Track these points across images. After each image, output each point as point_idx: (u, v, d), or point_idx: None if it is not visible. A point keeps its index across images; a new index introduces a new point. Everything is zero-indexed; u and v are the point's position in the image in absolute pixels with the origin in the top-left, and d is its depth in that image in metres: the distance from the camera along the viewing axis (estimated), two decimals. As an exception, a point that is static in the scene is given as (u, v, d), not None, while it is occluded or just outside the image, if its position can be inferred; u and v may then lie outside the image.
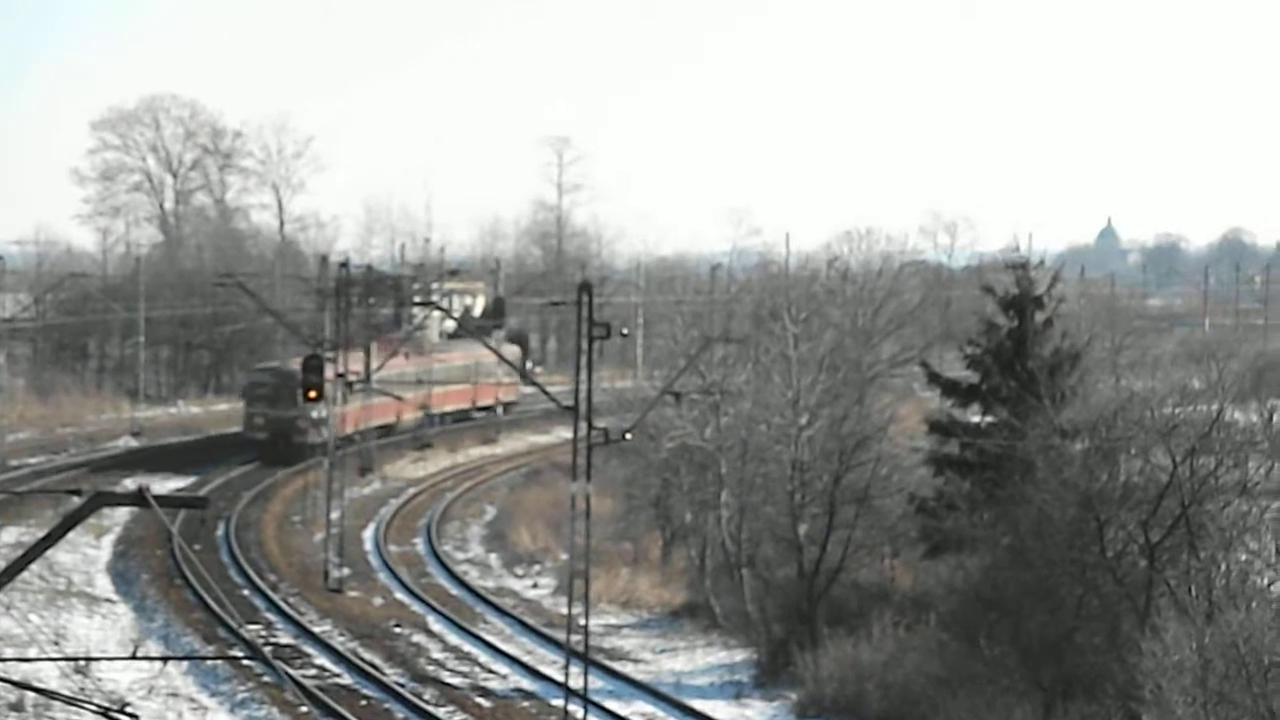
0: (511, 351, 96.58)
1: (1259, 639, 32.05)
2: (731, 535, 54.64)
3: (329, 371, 64.79)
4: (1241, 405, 50.46)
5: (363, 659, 49.27)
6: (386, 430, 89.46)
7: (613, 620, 56.96)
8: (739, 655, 51.33)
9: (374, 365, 71.61)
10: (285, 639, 52.16)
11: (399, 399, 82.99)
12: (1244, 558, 39.18)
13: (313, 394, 64.29)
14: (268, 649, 49.63)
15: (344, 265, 69.36)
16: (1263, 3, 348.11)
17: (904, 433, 58.27)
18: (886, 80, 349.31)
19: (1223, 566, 38.68)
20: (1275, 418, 47.13)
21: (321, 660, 49.52)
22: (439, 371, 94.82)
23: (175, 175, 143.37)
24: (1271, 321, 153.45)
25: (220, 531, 68.46)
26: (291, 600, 57.35)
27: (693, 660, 51.82)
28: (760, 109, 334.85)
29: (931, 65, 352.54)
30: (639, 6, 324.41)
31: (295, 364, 75.89)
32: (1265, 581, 38.12)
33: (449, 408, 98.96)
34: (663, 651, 52.96)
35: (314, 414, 75.10)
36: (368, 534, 71.38)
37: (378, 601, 58.60)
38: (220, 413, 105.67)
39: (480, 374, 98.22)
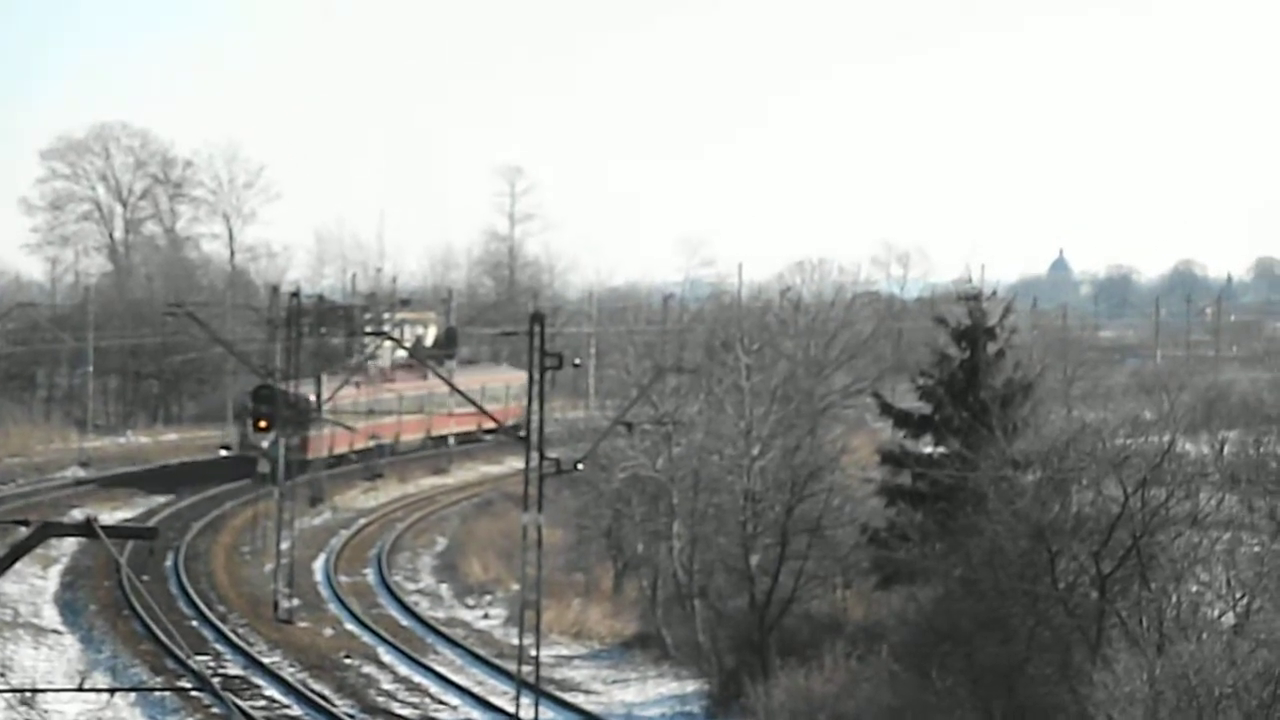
0: (518, 377, 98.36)
1: (1210, 670, 32.05)
2: (683, 566, 54.52)
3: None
4: (1193, 437, 50.70)
5: (312, 690, 48.97)
6: (389, 450, 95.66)
7: (564, 651, 56.79)
8: (690, 686, 51.19)
9: (392, 386, 72.99)
10: (234, 670, 51.83)
11: (399, 419, 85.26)
12: (1195, 589, 39.24)
13: (263, 424, 63.90)
14: (216, 680, 49.24)
15: (295, 295, 69.12)
16: (1210, 39, 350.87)
17: (856, 463, 58.26)
18: (839, 110, 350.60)
19: (1174, 598, 38.73)
20: (1226, 449, 47.31)
21: (271, 691, 49.21)
22: (441, 395, 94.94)
23: (125, 204, 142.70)
24: (1222, 353, 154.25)
25: (169, 562, 68.05)
26: (241, 631, 57.01)
27: (644, 691, 51.67)
28: (713, 138, 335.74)
29: (883, 96, 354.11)
30: (592, 34, 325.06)
31: (288, 385, 76.80)
32: (1216, 613, 38.16)
33: (455, 429, 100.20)
34: (614, 682, 52.81)
35: (313, 432, 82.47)
36: (318, 564, 71.07)
37: (328, 632, 58.30)
38: (170, 442, 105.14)
39: (486, 397, 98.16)
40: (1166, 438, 43.47)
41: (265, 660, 52.70)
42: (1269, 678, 31.83)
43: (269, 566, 64.37)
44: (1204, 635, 35.78)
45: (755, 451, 51.20)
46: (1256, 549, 39.39)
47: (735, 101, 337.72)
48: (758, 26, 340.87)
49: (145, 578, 63.62)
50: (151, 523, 73.93)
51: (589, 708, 48.44)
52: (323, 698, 48.14)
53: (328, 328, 75.63)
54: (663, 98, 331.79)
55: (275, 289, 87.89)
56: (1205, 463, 45.07)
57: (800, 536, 49.83)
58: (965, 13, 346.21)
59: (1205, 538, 40.41)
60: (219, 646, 54.85)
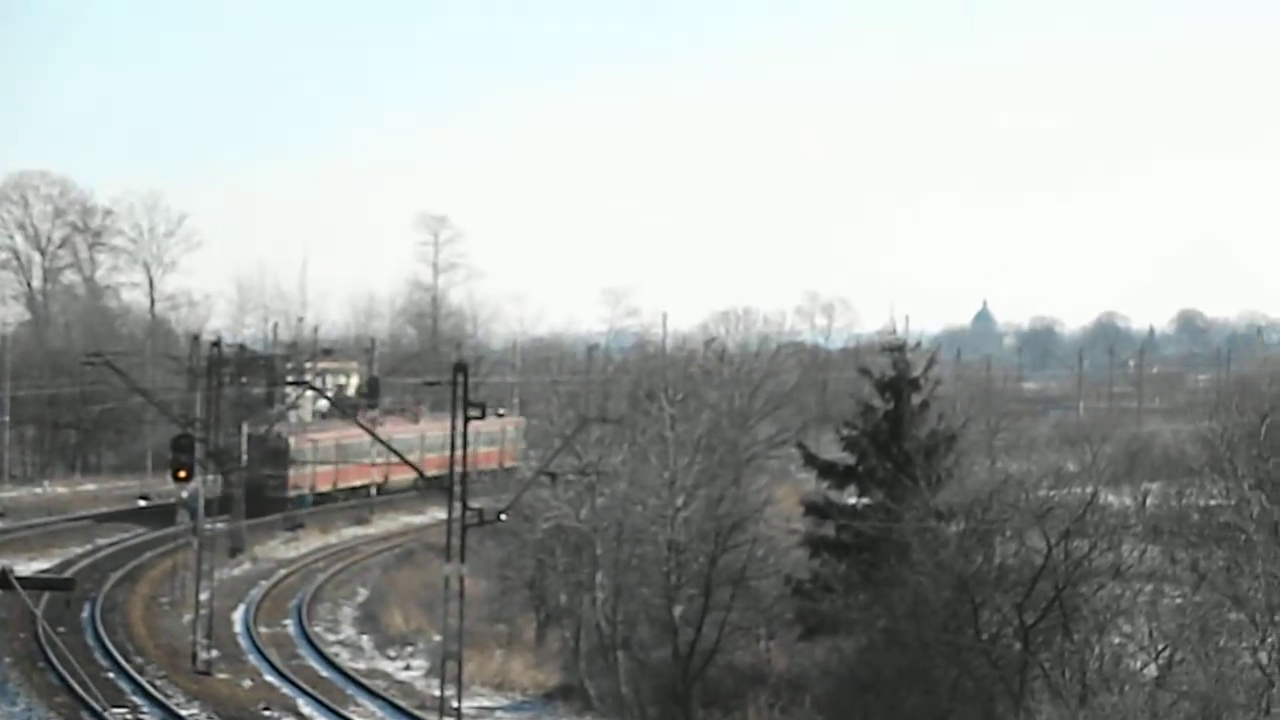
0: (516, 422, 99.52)
1: (1133, 722, 32.09)
2: (606, 617, 54.25)
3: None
4: (1115, 489, 50.87)
5: (230, 743, 48.37)
6: (378, 489, 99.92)
7: (486, 702, 56.37)
8: (614, 738, 50.85)
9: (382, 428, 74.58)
10: (151, 722, 51.17)
11: (388, 461, 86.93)
12: (1117, 641, 39.33)
13: (182, 474, 63.31)
14: (133, 733, 48.64)
15: (216, 344, 68.64)
16: (1132, 90, 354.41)
17: (780, 514, 58.17)
18: (764, 161, 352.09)
19: (1097, 649, 38.80)
20: (1148, 501, 47.49)
21: (188, 744, 48.61)
22: (435, 437, 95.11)
23: (44, 253, 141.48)
24: (1145, 405, 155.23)
25: (86, 613, 67.23)
26: (158, 682, 56.27)
27: (567, 743, 51.30)
28: (637, 189, 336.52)
29: (806, 147, 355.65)
30: (517, 83, 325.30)
31: (266, 428, 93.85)
32: (1138, 665, 38.25)
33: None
34: (536, 735, 52.41)
35: (291, 472, 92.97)
36: (238, 615, 70.37)
37: (247, 683, 57.67)
38: (88, 493, 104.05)
39: (480, 441, 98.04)
40: (1089, 489, 43.62)
41: (183, 712, 52.03)
42: (1191, 729, 31.89)
43: (188, 617, 63.65)
44: (1126, 687, 35.86)
45: (679, 502, 51.06)
46: (1179, 601, 39.49)
47: (658, 151, 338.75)
48: (678, 80, 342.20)
49: (61, 629, 62.81)
50: (68, 573, 73.04)
51: (511, 760, 47.98)
52: (241, 750, 47.53)
53: (249, 377, 75.30)
54: (587, 147, 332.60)
55: (196, 338, 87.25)
56: (1128, 515, 45.26)
57: (724, 587, 49.69)
58: (881, 63, 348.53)
59: (1128, 589, 40.53)
60: (136, 699, 54.08)
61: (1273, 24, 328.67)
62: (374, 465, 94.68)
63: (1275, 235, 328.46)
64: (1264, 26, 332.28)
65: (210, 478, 67.15)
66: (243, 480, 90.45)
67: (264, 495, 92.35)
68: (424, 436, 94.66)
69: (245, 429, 77.05)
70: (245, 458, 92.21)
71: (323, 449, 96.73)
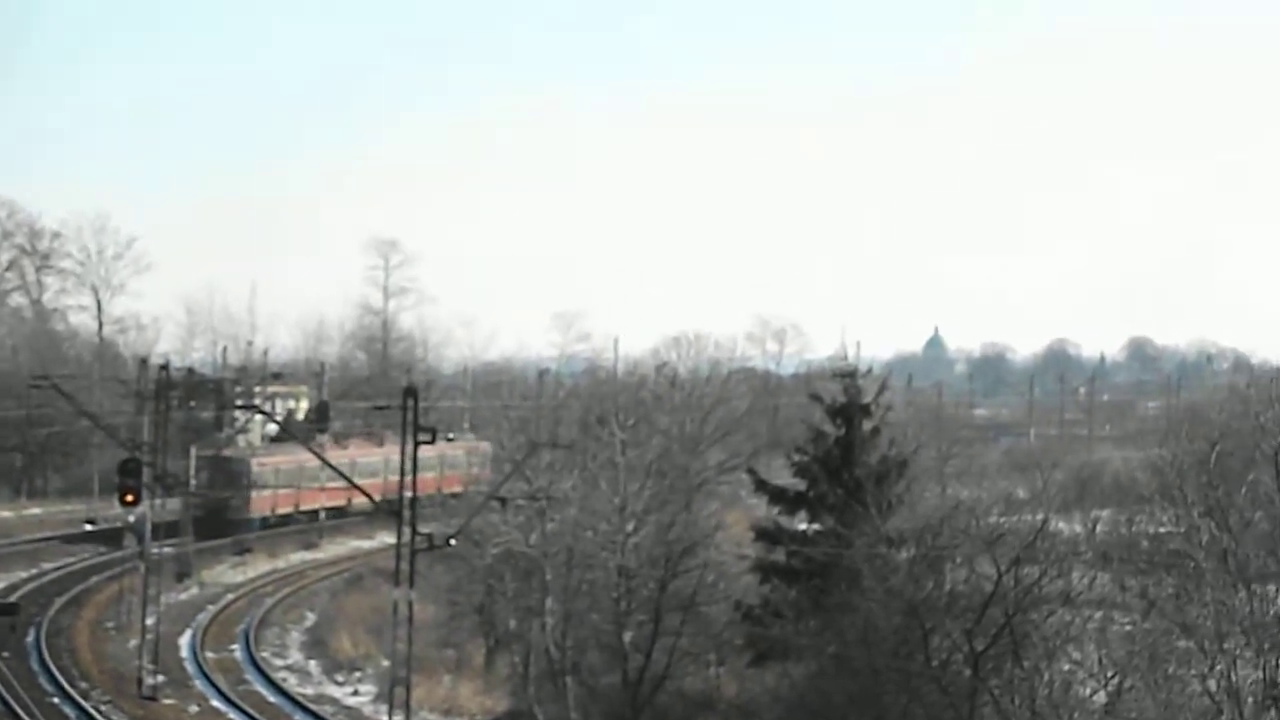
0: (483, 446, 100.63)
1: (1082, 749, 32.04)
2: (556, 642, 54.03)
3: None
4: (1066, 515, 50.90)
5: (176, 769, 48.01)
6: (338, 511, 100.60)
7: (435, 729, 56.11)
8: (562, 764, 50.61)
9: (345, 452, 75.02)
10: (95, 748, 50.75)
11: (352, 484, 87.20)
12: (1067, 667, 39.28)
13: (129, 498, 62.84)
14: (77, 759, 48.22)
15: (164, 368, 68.29)
16: (1084, 115, 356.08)
17: (731, 540, 58.02)
18: (716, 187, 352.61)
19: (1046, 676, 38.74)
20: (1098, 528, 47.53)
21: (133, 770, 48.21)
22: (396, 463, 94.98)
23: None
24: (1095, 432, 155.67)
25: (31, 638, 66.67)
26: (103, 708, 55.82)
27: (515, 769, 51.06)
28: (588, 214, 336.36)
29: (759, 172, 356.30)
30: (464, 109, 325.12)
31: (229, 451, 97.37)
32: (1088, 692, 38.20)
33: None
34: (485, 761, 52.15)
35: (254, 494, 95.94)
36: (184, 640, 69.91)
37: (193, 709, 57.27)
38: (33, 517, 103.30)
39: (446, 465, 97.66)
40: (1040, 516, 43.63)
41: (128, 738, 51.65)
42: (1141, 757, 31.86)
43: (134, 642, 63.20)
44: (1076, 714, 35.84)
45: (630, 527, 50.93)
46: (1128, 628, 39.49)
47: (610, 176, 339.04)
48: (629, 105, 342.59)
49: (5, 654, 62.27)
50: (13, 598, 72.50)
51: (459, 787, 47.75)
52: (186, 777, 47.17)
53: (197, 401, 74.83)
54: (538, 172, 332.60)
55: (144, 361, 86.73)
56: (1078, 541, 45.28)
57: (674, 613, 49.57)
58: (835, 89, 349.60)
59: (1077, 616, 40.51)
60: (80, 724, 53.71)
61: (1228, 45, 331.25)
62: (338, 489, 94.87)
63: (1225, 263, 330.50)
64: (1220, 46, 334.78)
65: (159, 501, 66.68)
66: (201, 503, 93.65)
67: (224, 518, 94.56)
68: (388, 460, 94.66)
69: (194, 452, 78.04)
70: (203, 479, 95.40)
71: (285, 472, 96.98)
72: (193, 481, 72.15)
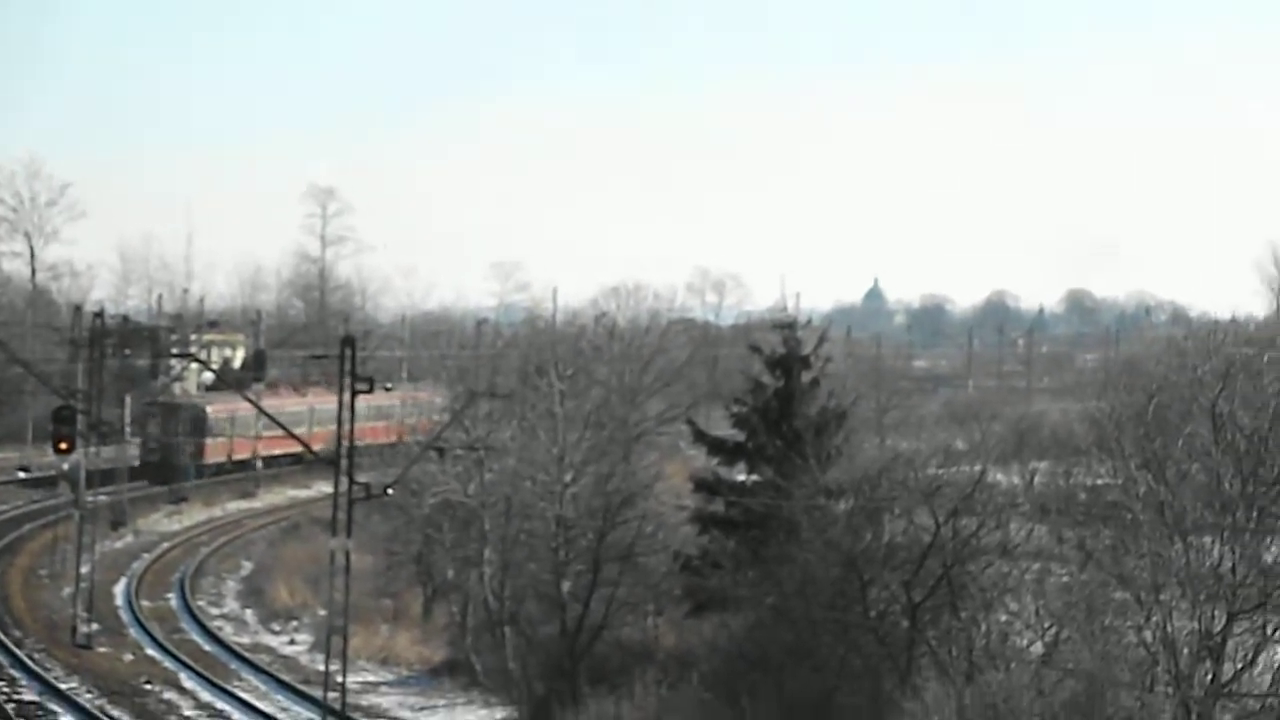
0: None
1: (1018, 699, 32.13)
2: (494, 592, 53.93)
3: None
4: (1004, 467, 51.01)
5: (110, 717, 47.82)
6: (296, 459, 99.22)
7: (371, 677, 56.02)
8: (499, 713, 50.66)
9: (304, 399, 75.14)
10: (29, 696, 50.37)
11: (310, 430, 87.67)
12: (1004, 618, 39.36)
13: (63, 445, 62.37)
14: (10, 707, 47.94)
15: (99, 315, 67.94)
16: (1026, 75, 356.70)
17: (670, 491, 57.98)
18: (655, 136, 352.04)
19: (983, 627, 38.83)
20: (1036, 480, 47.59)
21: (67, 718, 47.94)
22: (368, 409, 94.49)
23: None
24: (1034, 384, 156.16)
25: (-37, 586, 66.30)
26: (37, 656, 55.53)
27: (452, 718, 51.13)
28: (526, 163, 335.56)
29: (699, 122, 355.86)
30: (402, 55, 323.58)
31: (184, 399, 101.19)
32: (1025, 643, 38.26)
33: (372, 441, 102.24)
34: (422, 709, 52.15)
35: (208, 441, 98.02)
36: (119, 589, 69.60)
37: (128, 658, 57.02)
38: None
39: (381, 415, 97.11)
40: (978, 468, 43.70)
41: (62, 686, 51.37)
42: (1076, 707, 31.97)
43: (68, 590, 62.88)
44: (1012, 665, 35.88)
45: (568, 478, 50.80)
46: (1065, 579, 39.54)
47: (548, 123, 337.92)
48: (567, 51, 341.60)
49: (-62, 602, 61.90)
50: (-54, 545, 72.04)
51: (396, 736, 47.70)
52: (121, 725, 47.00)
53: (132, 349, 74.51)
54: (476, 120, 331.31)
55: (78, 309, 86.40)
56: (1016, 493, 45.33)
57: (612, 563, 49.52)
58: (775, 43, 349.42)
59: (1015, 568, 40.60)
60: (14, 672, 53.33)
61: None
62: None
63: (1163, 216, 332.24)
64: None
65: (94, 449, 66.26)
66: (155, 448, 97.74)
67: (176, 464, 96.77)
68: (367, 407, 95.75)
69: (145, 399, 79.67)
70: (154, 426, 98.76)
71: (240, 420, 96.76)
72: (128, 429, 71.55)
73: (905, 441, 64.76)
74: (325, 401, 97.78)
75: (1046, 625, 37.92)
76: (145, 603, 66.94)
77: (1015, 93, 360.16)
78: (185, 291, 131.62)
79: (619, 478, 51.83)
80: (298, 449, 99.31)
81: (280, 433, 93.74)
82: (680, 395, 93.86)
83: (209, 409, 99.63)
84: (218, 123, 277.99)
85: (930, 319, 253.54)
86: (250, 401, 64.10)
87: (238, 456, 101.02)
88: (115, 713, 48.51)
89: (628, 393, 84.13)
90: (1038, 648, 37.65)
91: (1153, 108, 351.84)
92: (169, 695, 51.60)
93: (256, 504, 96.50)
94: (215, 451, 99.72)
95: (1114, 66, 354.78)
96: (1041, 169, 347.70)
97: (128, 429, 71.03)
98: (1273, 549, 35.92)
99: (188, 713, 49.64)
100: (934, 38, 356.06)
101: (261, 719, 49.09)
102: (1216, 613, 33.30)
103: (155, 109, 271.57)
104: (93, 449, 65.54)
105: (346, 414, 42.24)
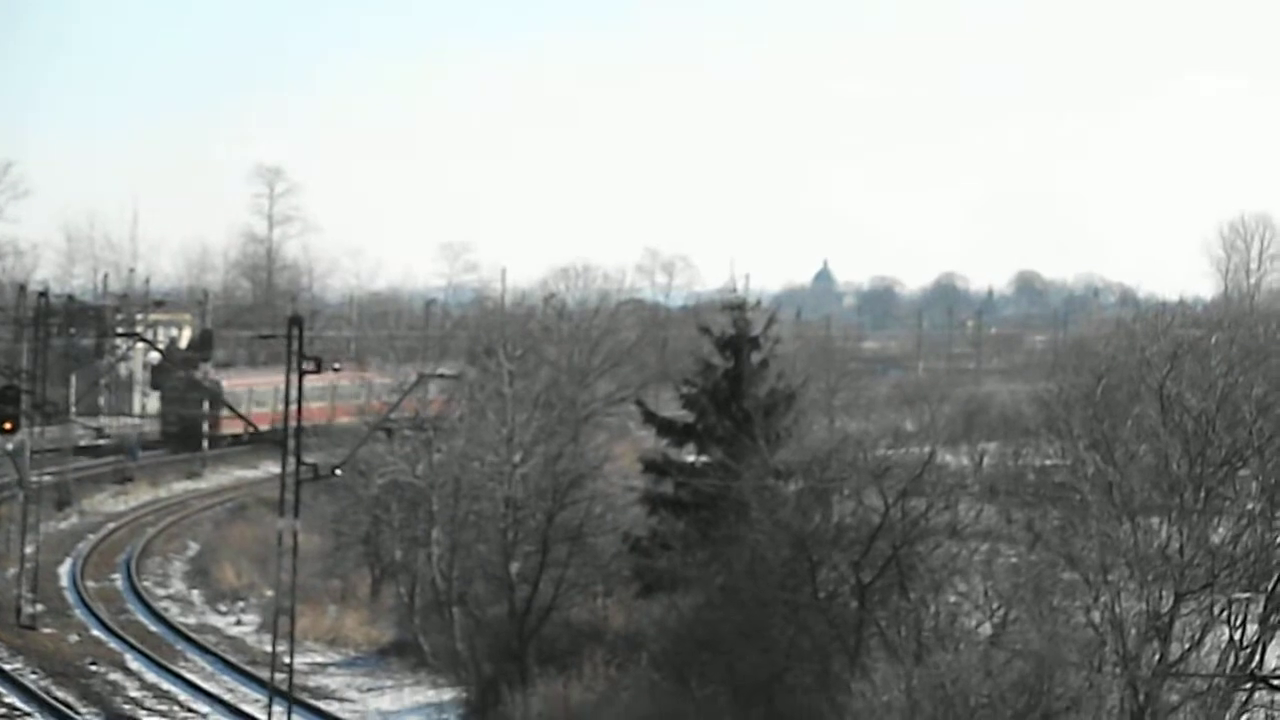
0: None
1: (966, 680, 32.12)
2: (442, 573, 53.76)
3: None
4: (953, 448, 51.04)
5: (55, 698, 47.56)
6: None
7: (319, 658, 55.83)
8: (448, 694, 50.54)
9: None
10: (-27, 678, 50.10)
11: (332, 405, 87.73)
12: (953, 599, 39.40)
13: (8, 425, 61.87)
14: (-46, 689, 47.65)
15: (43, 295, 67.54)
16: (971, 51, 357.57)
17: (619, 471, 57.86)
18: (605, 118, 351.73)
19: (932, 608, 38.85)
20: (985, 461, 47.64)
21: (11, 699, 47.67)
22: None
23: None
24: (983, 366, 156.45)
25: (-94, 566, 65.82)
26: (-20, 638, 55.23)
27: (400, 699, 50.96)
28: (476, 143, 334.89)
29: (646, 105, 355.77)
30: (352, 33, 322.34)
31: (200, 373, 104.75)
32: (973, 623, 38.33)
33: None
34: (369, 690, 51.99)
35: (224, 413, 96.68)
36: (64, 569, 69.23)
37: (73, 638, 56.71)
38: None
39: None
40: (927, 449, 43.67)
41: (7, 667, 51.11)
42: (1024, 688, 31.98)
43: (12, 571, 62.54)
44: (961, 645, 35.91)
45: (517, 458, 50.63)
46: (1014, 560, 39.62)
47: (496, 104, 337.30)
48: (516, 31, 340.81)
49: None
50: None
51: (343, 716, 47.61)
52: (66, 705, 46.72)
53: (77, 328, 74.04)
54: (424, 101, 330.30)
55: (22, 288, 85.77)
56: (965, 474, 45.38)
57: (561, 544, 49.37)
58: (725, 28, 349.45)
59: (964, 548, 40.63)
60: (-42, 654, 53.03)
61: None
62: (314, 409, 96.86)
63: (1111, 198, 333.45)
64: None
65: (38, 429, 65.81)
66: (175, 420, 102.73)
67: (196, 435, 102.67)
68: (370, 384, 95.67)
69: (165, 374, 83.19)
70: (173, 398, 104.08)
71: (259, 393, 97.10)
72: (73, 409, 71.03)
73: (855, 423, 64.85)
74: (342, 379, 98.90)
75: (995, 606, 37.99)
76: (90, 583, 66.58)
77: (962, 78, 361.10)
78: (131, 271, 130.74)
79: (568, 458, 51.66)
80: (319, 421, 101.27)
81: (322, 405, 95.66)
82: (629, 376, 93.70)
83: (225, 384, 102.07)
84: (163, 99, 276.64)
85: (880, 301, 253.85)
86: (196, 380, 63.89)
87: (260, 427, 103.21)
88: (60, 694, 48.24)
89: (577, 373, 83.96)
90: (986, 628, 37.72)
91: (1099, 88, 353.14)
92: (114, 676, 51.35)
93: (203, 485, 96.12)
94: (231, 424, 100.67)
95: (1062, 42, 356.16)
96: (989, 151, 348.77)
97: (73, 409, 70.57)
98: (1220, 530, 36.04)
99: (133, 693, 49.39)
100: (875, 19, 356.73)
101: (208, 700, 48.86)
102: (1164, 593, 33.39)
103: (99, 86, 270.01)
104: (37, 429, 65.15)
105: (295, 393, 41.99)
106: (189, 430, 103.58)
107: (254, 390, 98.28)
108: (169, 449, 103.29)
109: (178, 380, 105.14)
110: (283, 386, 42.99)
